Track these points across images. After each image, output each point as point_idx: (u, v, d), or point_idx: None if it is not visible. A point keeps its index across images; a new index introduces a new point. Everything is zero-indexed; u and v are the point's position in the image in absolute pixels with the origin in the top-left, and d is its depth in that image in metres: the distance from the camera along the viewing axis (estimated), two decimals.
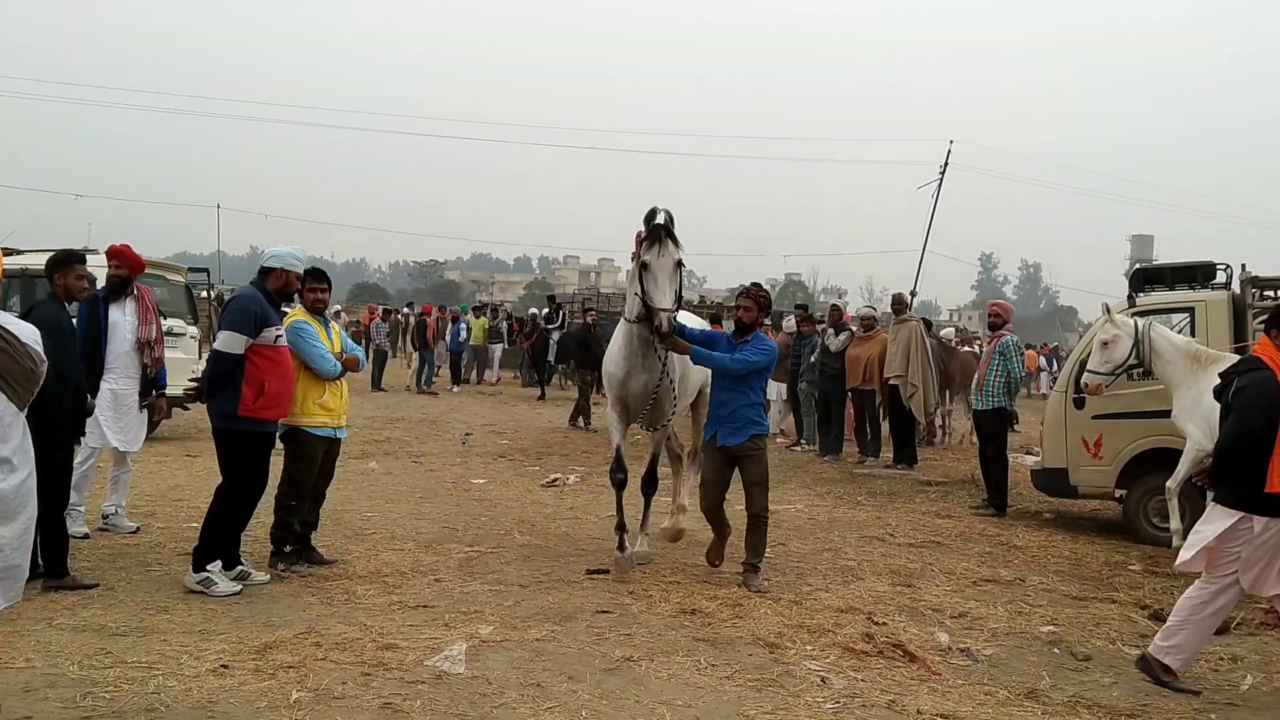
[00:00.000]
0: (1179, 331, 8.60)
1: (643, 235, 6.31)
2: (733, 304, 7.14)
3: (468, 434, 14.53)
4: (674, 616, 5.74)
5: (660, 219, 6.26)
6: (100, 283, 7.50)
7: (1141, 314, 8.36)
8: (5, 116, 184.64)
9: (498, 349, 25.92)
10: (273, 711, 4.12)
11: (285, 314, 6.63)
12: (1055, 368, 30.98)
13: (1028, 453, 13.02)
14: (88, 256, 6.62)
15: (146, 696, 4.20)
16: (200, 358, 11.98)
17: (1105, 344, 8.03)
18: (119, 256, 7.26)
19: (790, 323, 15.52)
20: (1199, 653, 5.51)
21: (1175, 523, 7.80)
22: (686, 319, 7.08)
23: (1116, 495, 9.08)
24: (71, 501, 7.07)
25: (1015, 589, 6.77)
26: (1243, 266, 8.88)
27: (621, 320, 6.82)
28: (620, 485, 6.78)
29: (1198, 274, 9.13)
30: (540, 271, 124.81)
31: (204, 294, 17.66)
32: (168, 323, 8.05)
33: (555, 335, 22.58)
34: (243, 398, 5.89)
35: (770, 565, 6.89)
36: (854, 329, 13.48)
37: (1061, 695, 4.79)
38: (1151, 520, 8.59)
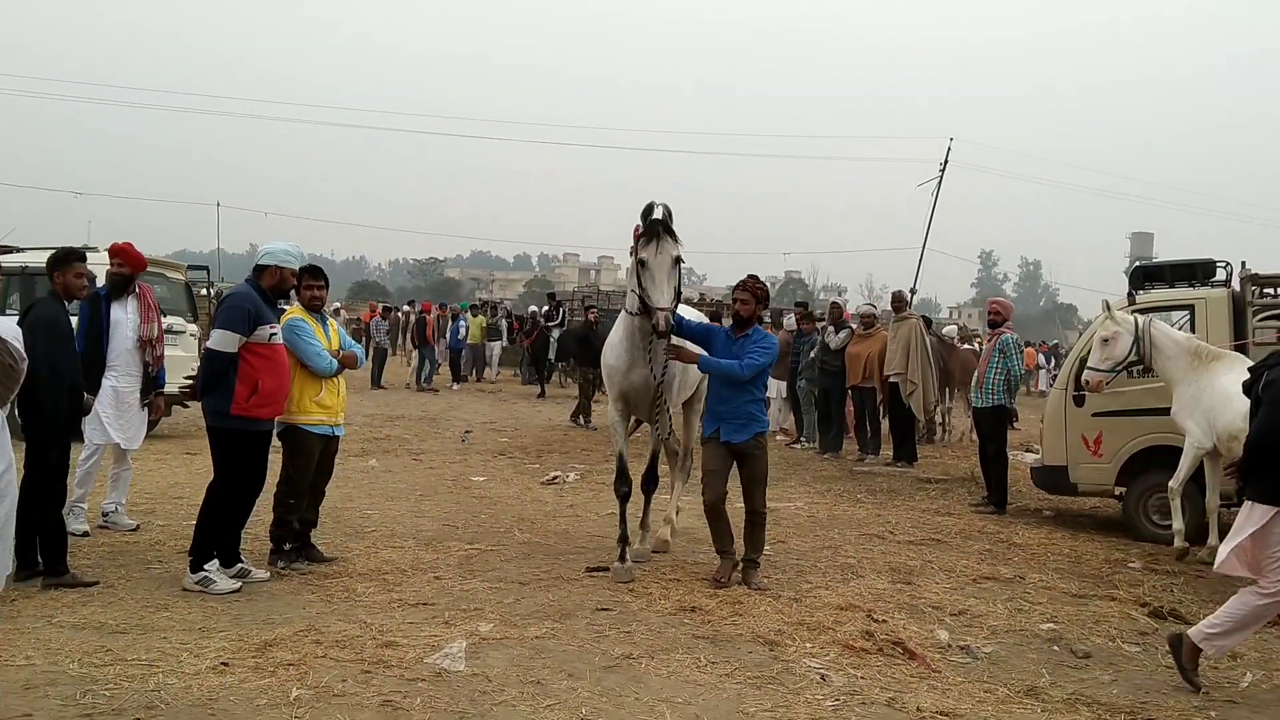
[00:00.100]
0: (1179, 329, 8.59)
1: (640, 231, 6.18)
2: (731, 300, 7.04)
3: (467, 432, 14.53)
4: (674, 614, 5.74)
5: (657, 214, 6.13)
6: (100, 281, 7.51)
7: (1142, 311, 8.35)
8: (5, 115, 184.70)
9: (496, 347, 25.92)
10: (273, 709, 4.12)
11: (284, 311, 6.64)
12: (1054, 365, 30.98)
13: (1027, 450, 13.02)
14: (88, 254, 6.61)
15: (146, 694, 4.21)
16: (199, 355, 11.98)
17: (1106, 341, 8.02)
18: (121, 254, 7.26)
19: (791, 320, 15.52)
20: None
21: (1178, 523, 7.78)
22: (685, 313, 6.96)
23: (1116, 493, 9.08)
24: (74, 498, 7.10)
25: (1015, 586, 6.77)
26: (1243, 264, 8.88)
27: (622, 312, 6.74)
28: (624, 498, 6.70)
29: (1197, 271, 9.12)
30: (540, 269, 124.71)
31: (203, 292, 17.67)
32: (167, 320, 8.05)
33: (555, 333, 22.59)
34: (236, 396, 5.88)
35: (770, 563, 6.89)
36: (854, 327, 13.48)
37: (1061, 693, 4.79)
38: (1151, 518, 8.59)
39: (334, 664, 4.65)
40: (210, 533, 5.93)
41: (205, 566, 5.87)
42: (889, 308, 14.16)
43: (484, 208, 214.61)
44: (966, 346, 17.56)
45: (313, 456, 6.51)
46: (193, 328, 12.98)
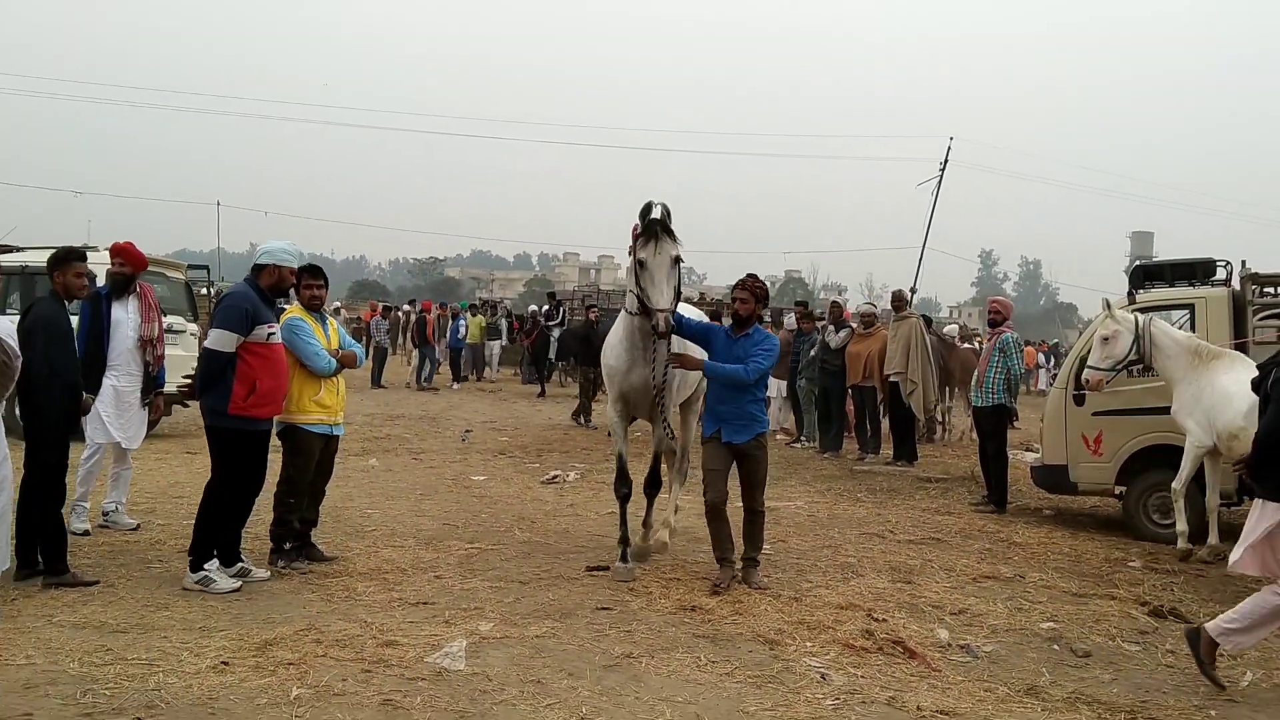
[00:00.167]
0: (1179, 328, 8.59)
1: (638, 231, 6.10)
2: (730, 299, 6.94)
3: (468, 431, 14.53)
4: (674, 613, 5.74)
5: (656, 214, 6.05)
6: (100, 280, 7.51)
7: (1142, 311, 8.35)
8: (5, 114, 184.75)
9: (495, 346, 25.91)
10: (273, 708, 4.12)
11: (283, 310, 6.63)
12: (1053, 365, 30.97)
13: (1027, 449, 13.02)
14: (87, 254, 6.61)
15: (147, 693, 4.21)
16: (199, 355, 11.99)
17: (1106, 339, 8.02)
18: (123, 254, 7.26)
19: (791, 320, 15.53)
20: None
21: (1180, 524, 7.77)
22: (685, 312, 6.89)
23: (1116, 492, 9.08)
24: (76, 497, 7.11)
25: (1015, 585, 6.77)
26: (1243, 263, 8.88)
27: (622, 312, 6.68)
28: (624, 499, 6.68)
29: (1198, 271, 9.12)
30: (540, 268, 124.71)
31: (204, 291, 17.66)
32: (168, 320, 8.05)
33: (556, 332, 22.59)
34: (234, 395, 5.88)
35: (770, 562, 6.89)
36: (854, 326, 13.48)
37: (1061, 691, 4.79)
38: (1151, 517, 8.59)
39: (334, 663, 4.65)
40: (209, 532, 5.93)
41: (205, 566, 5.87)
42: (889, 307, 14.16)
43: (484, 207, 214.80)
44: (966, 346, 17.57)
45: (312, 456, 6.51)
46: (193, 327, 12.98)
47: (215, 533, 5.97)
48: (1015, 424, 10.44)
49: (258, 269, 6.21)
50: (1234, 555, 5.08)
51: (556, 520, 8.41)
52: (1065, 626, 5.85)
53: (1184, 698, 4.81)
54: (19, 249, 12.67)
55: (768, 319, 19.31)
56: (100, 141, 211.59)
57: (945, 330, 19.86)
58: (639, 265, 6.07)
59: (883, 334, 13.12)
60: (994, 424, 9.97)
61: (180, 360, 11.43)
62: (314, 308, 6.63)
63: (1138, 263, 10.87)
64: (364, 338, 24.40)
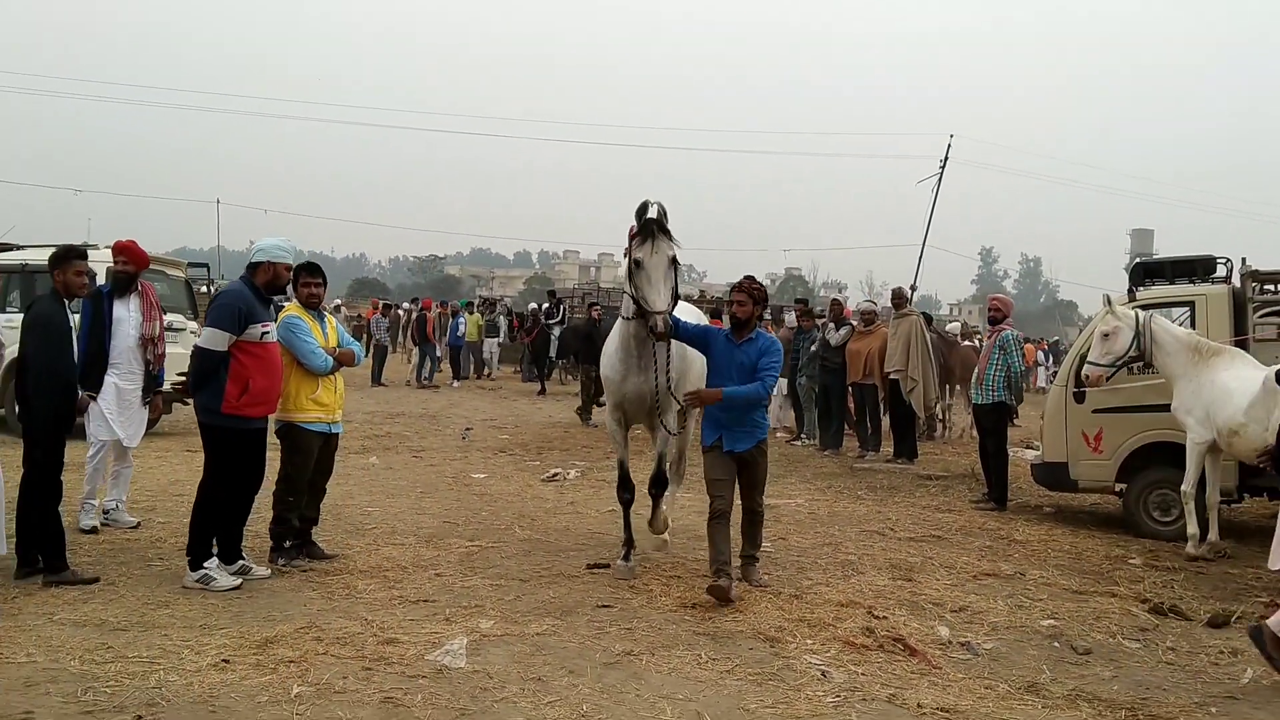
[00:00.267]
0: (1180, 325, 8.58)
1: (634, 231, 6.02)
2: (728, 301, 6.79)
3: (468, 429, 14.54)
4: (675, 611, 5.74)
5: (652, 213, 5.97)
6: (100, 278, 7.51)
7: (1142, 308, 8.34)
8: (5, 112, 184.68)
9: (492, 344, 25.89)
10: (273, 706, 4.12)
11: (282, 308, 6.63)
12: (1052, 362, 30.94)
13: (1028, 447, 13.02)
14: (88, 252, 6.61)
15: (147, 691, 4.21)
16: None
17: (1106, 336, 8.01)
18: (126, 252, 7.25)
19: (792, 318, 15.53)
20: (1199, 646, 5.54)
21: (1192, 526, 7.72)
22: (683, 314, 6.80)
23: (1116, 489, 9.07)
24: (83, 495, 7.13)
25: (1015, 583, 6.77)
26: (1243, 260, 8.87)
27: (619, 318, 6.57)
28: (627, 504, 6.63)
29: (1198, 268, 9.11)
30: (540, 266, 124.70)
31: (204, 289, 17.68)
32: (167, 318, 8.05)
33: (556, 330, 22.59)
34: (227, 394, 5.87)
35: (770, 559, 6.89)
36: (855, 323, 13.48)
37: (1062, 689, 4.79)
38: (1152, 514, 8.58)
39: (335, 661, 4.65)
40: (204, 529, 5.93)
41: (205, 564, 5.87)
42: (889, 304, 14.16)
43: (484, 205, 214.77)
44: (967, 343, 17.57)
45: (311, 454, 6.51)
46: (193, 325, 12.96)
47: (211, 530, 5.97)
48: (1015, 421, 10.43)
49: (253, 266, 6.19)
50: (1272, 555, 5.09)
51: (557, 518, 8.42)
52: (1066, 624, 5.85)
53: (1184, 694, 4.81)
54: (19, 247, 12.67)
55: (768, 317, 19.35)
56: (100, 139, 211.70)
57: (948, 328, 19.86)
58: (635, 265, 5.97)
59: (883, 331, 13.12)
60: (994, 421, 9.97)
61: (180, 358, 11.40)
62: (312, 305, 6.62)
63: (1138, 260, 10.88)
64: (364, 336, 24.41)
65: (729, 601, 5.77)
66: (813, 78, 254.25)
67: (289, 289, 6.62)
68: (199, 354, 5.96)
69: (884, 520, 8.78)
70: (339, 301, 39.52)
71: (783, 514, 8.71)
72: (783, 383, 15.17)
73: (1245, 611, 6.18)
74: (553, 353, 22.68)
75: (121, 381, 7.17)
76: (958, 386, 15.96)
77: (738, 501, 6.45)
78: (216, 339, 5.88)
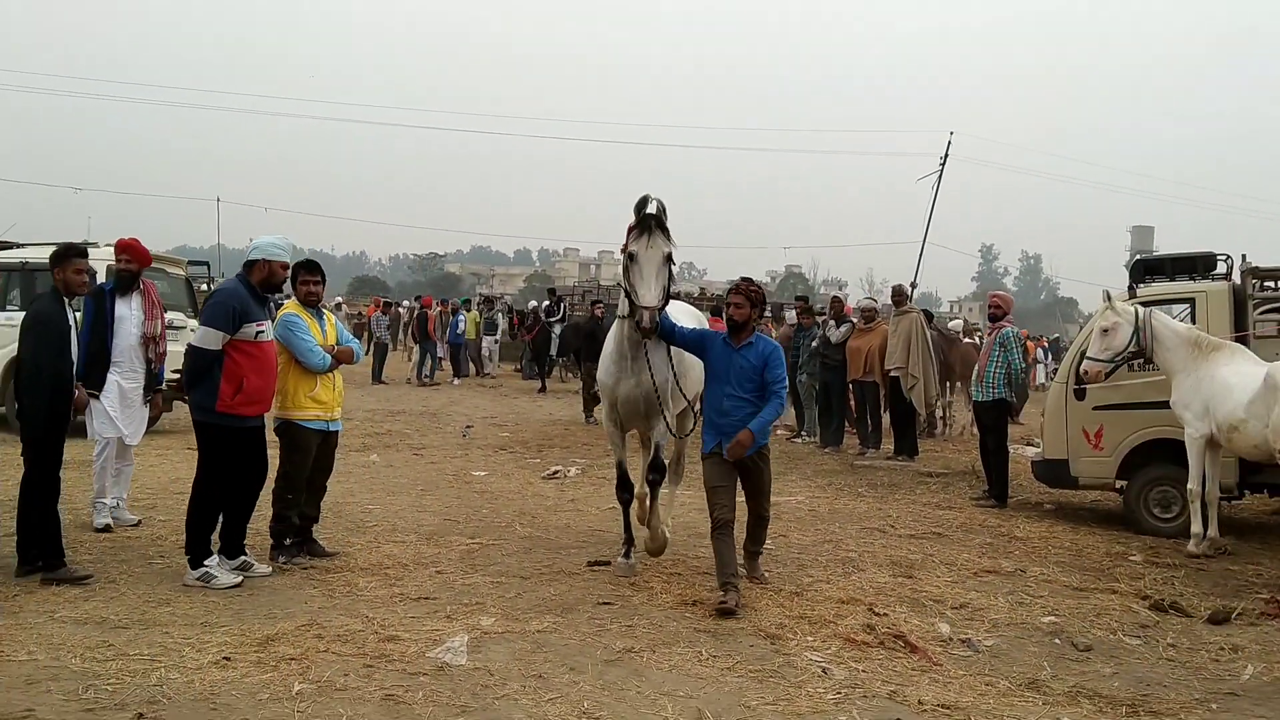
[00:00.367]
0: (1180, 322, 8.57)
1: (632, 225, 5.96)
2: (725, 303, 6.61)
3: (468, 427, 14.54)
4: (675, 608, 5.74)
5: (651, 208, 5.92)
6: (101, 276, 7.51)
7: (1143, 305, 8.34)
8: (4, 111, 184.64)
9: (488, 342, 25.86)
10: (275, 703, 4.13)
11: (279, 306, 6.62)
12: (1051, 359, 30.90)
13: (1028, 444, 13.02)
14: (88, 250, 6.61)
15: (148, 689, 4.21)
16: None
17: (1106, 331, 8.01)
18: (129, 250, 7.25)
19: (792, 315, 15.52)
20: (1200, 643, 5.54)
21: (1196, 525, 7.70)
22: (682, 314, 6.78)
23: (1117, 486, 9.07)
24: (94, 494, 7.14)
25: (1016, 580, 6.77)
26: (1243, 257, 8.86)
27: (616, 319, 6.48)
28: (626, 504, 6.61)
29: (1198, 265, 9.11)
30: (540, 264, 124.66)
31: (204, 287, 17.64)
32: (168, 316, 8.05)
33: (557, 328, 22.57)
34: (221, 393, 5.87)
35: (771, 557, 6.89)
36: (855, 321, 13.48)
37: (1062, 685, 4.80)
38: (1152, 511, 8.58)
39: (336, 658, 4.66)
40: (201, 528, 5.93)
41: (205, 562, 5.88)
42: (890, 302, 14.15)
43: (484, 202, 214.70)
44: (967, 340, 17.57)
45: (309, 452, 6.51)
46: (193, 323, 12.95)
47: (208, 528, 5.97)
48: (1015, 419, 10.43)
49: (249, 265, 6.19)
50: None
51: (557, 515, 8.42)
52: (1066, 620, 5.85)
53: (1185, 691, 4.81)
54: (19, 245, 12.67)
55: (768, 315, 19.33)
56: (100, 137, 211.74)
57: (950, 325, 19.86)
58: (629, 258, 5.92)
59: (883, 329, 13.12)
60: (995, 419, 9.97)
61: (180, 356, 11.42)
62: (311, 303, 6.61)
63: (1138, 257, 10.87)
64: (365, 334, 24.39)
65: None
66: (812, 74, 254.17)
67: (286, 287, 6.61)
68: (193, 352, 5.95)
69: (884, 517, 8.78)
70: (340, 299, 39.46)
71: (783, 511, 8.70)
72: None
73: (1245, 608, 6.19)
74: (554, 351, 22.67)
75: (123, 380, 7.17)
76: (958, 384, 15.95)
77: (740, 498, 6.43)
78: (210, 338, 5.88)
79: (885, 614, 5.72)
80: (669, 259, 5.91)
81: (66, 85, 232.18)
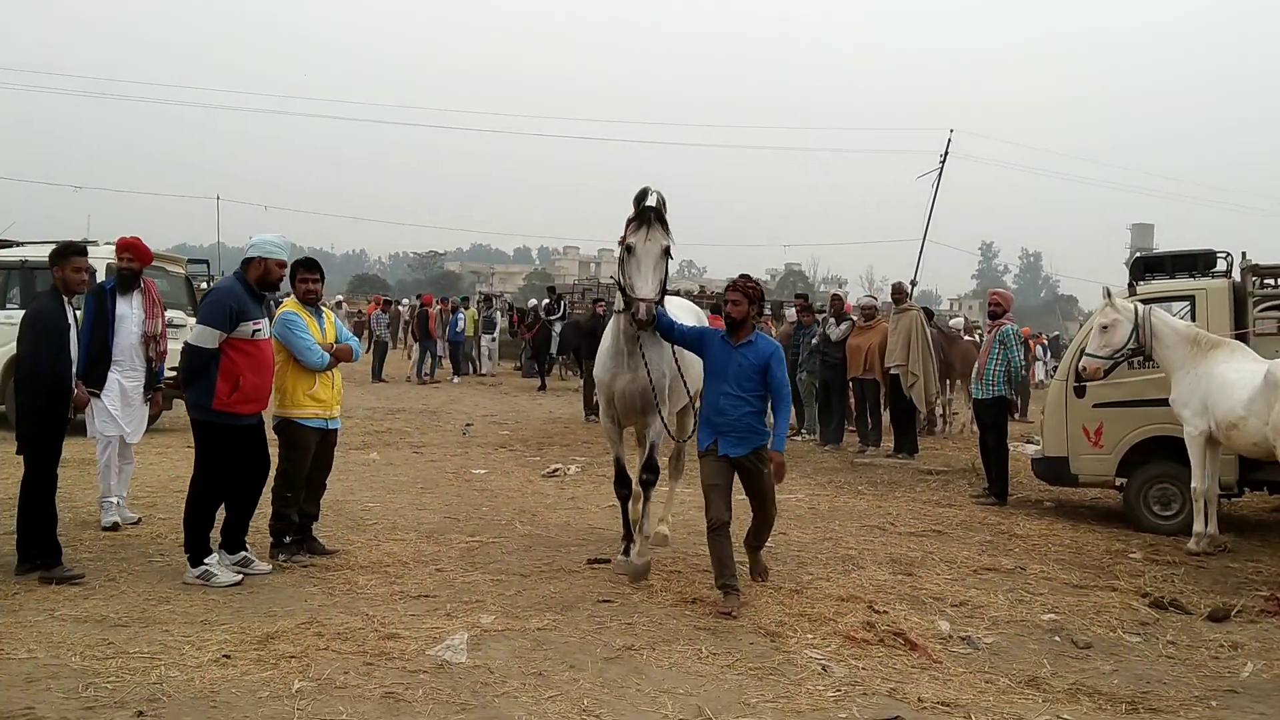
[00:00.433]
0: (1180, 319, 8.57)
1: (631, 217, 5.90)
2: (723, 301, 6.50)
3: (468, 425, 14.54)
4: (675, 605, 5.74)
5: (651, 201, 5.87)
6: (100, 275, 7.51)
7: (1143, 302, 8.33)
8: (5, 110, 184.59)
9: (486, 340, 25.84)
10: (275, 701, 4.13)
11: (279, 303, 6.62)
12: (1049, 356, 30.86)
13: (1028, 442, 13.02)
14: (88, 248, 6.61)
15: (148, 687, 4.21)
16: None
17: (1105, 328, 8.01)
18: (131, 249, 7.24)
19: (792, 313, 15.52)
20: (1200, 640, 5.54)
21: (1199, 525, 7.69)
22: (681, 311, 6.75)
23: (1117, 484, 9.07)
24: (100, 493, 7.14)
25: (1016, 577, 6.78)
26: (1243, 254, 8.86)
27: (613, 316, 6.43)
28: (625, 500, 6.59)
29: (1198, 262, 9.10)
30: (540, 262, 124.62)
31: (203, 285, 17.63)
32: (168, 314, 8.05)
33: (557, 326, 22.57)
34: (217, 392, 5.86)
35: (771, 554, 6.88)
36: (855, 319, 13.47)
37: (1062, 683, 4.80)
38: (1152, 508, 8.58)
39: (336, 656, 4.66)
40: (199, 526, 5.93)
41: (205, 560, 5.88)
42: (889, 299, 14.14)
43: (484, 199, 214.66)
44: (967, 338, 17.57)
45: (308, 450, 6.51)
46: (193, 321, 12.96)
47: (205, 526, 5.97)
48: (1016, 415, 10.42)
49: (245, 262, 6.19)
50: None
51: (557, 513, 8.42)
52: (1066, 618, 5.85)
53: (1184, 688, 4.81)
54: (18, 244, 12.67)
55: (767, 313, 19.33)
56: (100, 136, 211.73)
57: (951, 323, 19.85)
58: (627, 251, 5.86)
59: (883, 327, 13.12)
60: (994, 416, 9.97)
61: (179, 354, 11.43)
62: (310, 302, 6.61)
63: (1138, 254, 10.86)
64: (365, 332, 24.38)
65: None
66: (813, 72, 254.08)
67: (284, 285, 6.60)
68: (189, 351, 5.95)
69: (884, 515, 8.78)
70: (340, 298, 39.46)
71: (783, 509, 8.65)
72: None
73: (1245, 605, 6.19)
74: (554, 349, 22.67)
75: (124, 379, 7.17)
76: (958, 381, 15.95)
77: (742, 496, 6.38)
78: (206, 336, 5.88)
79: (885, 611, 5.72)
80: (667, 252, 5.86)
81: (66, 83, 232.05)
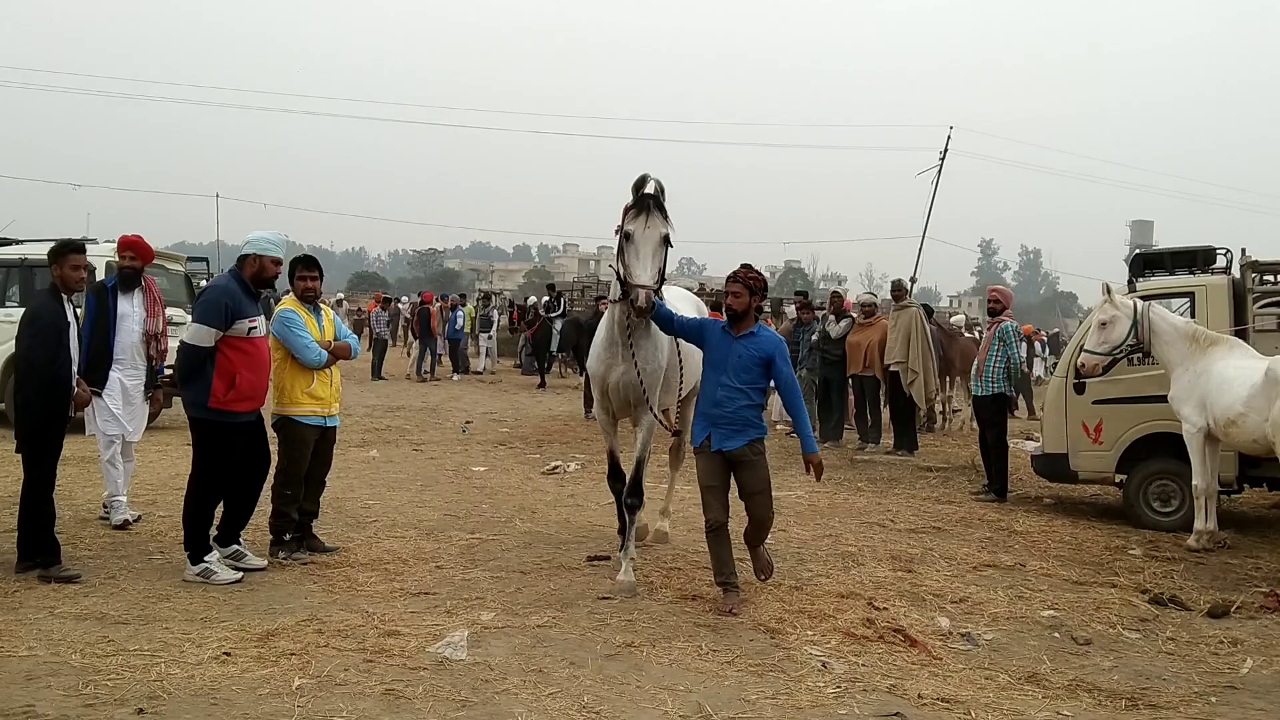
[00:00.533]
0: (1180, 316, 8.56)
1: (629, 205, 5.76)
2: (723, 293, 6.37)
3: (468, 422, 14.55)
4: (675, 602, 5.75)
5: (650, 188, 5.72)
6: (100, 273, 7.50)
7: (1143, 299, 8.33)
8: (4, 107, 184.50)
9: (483, 338, 25.83)
10: (275, 698, 4.13)
11: (278, 301, 6.61)
12: (1047, 353, 30.83)
13: (1028, 438, 13.03)
14: (87, 246, 6.60)
15: (149, 684, 4.21)
16: None
17: (1104, 324, 8.00)
18: (133, 248, 7.23)
19: (792, 310, 15.52)
20: (1199, 636, 5.54)
21: (1200, 523, 7.69)
22: (682, 301, 6.71)
23: (1117, 480, 9.07)
24: (107, 493, 7.13)
25: (1015, 574, 6.78)
26: (1243, 251, 8.85)
27: (609, 304, 6.29)
28: (619, 493, 6.51)
29: (1198, 259, 9.09)
30: (540, 260, 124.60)
31: (202, 283, 17.63)
32: (168, 312, 8.04)
33: (557, 324, 22.57)
34: (214, 390, 5.86)
35: (770, 552, 6.85)
36: (855, 316, 13.47)
37: (1062, 679, 4.80)
38: (1151, 505, 8.58)
39: (336, 653, 4.66)
40: (197, 523, 5.93)
41: (205, 558, 5.88)
42: (889, 297, 14.14)
43: (483, 197, 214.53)
44: (967, 335, 17.57)
45: (306, 447, 6.51)
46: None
47: (205, 524, 5.97)
48: (1015, 411, 10.42)
49: (241, 260, 6.18)
50: None
51: (557, 511, 8.42)
52: (1066, 614, 5.85)
53: (1184, 684, 4.82)
54: (18, 242, 12.66)
55: (767, 310, 19.31)
56: (99, 134, 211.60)
57: (952, 320, 19.85)
58: (625, 238, 5.73)
59: (883, 324, 13.12)
60: (994, 413, 9.97)
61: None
62: (308, 299, 6.61)
63: (1138, 251, 10.86)
64: (364, 330, 24.38)
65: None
66: (812, 69, 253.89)
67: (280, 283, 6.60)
68: (185, 349, 5.94)
69: (884, 512, 8.78)
70: (340, 295, 39.47)
71: (783, 506, 8.68)
72: None
73: (1245, 602, 6.19)
74: (554, 346, 22.66)
75: (125, 377, 7.16)
76: (958, 378, 15.95)
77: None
78: (202, 335, 5.87)
79: (885, 608, 5.72)
80: (666, 240, 5.73)
81: (65, 81, 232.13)
